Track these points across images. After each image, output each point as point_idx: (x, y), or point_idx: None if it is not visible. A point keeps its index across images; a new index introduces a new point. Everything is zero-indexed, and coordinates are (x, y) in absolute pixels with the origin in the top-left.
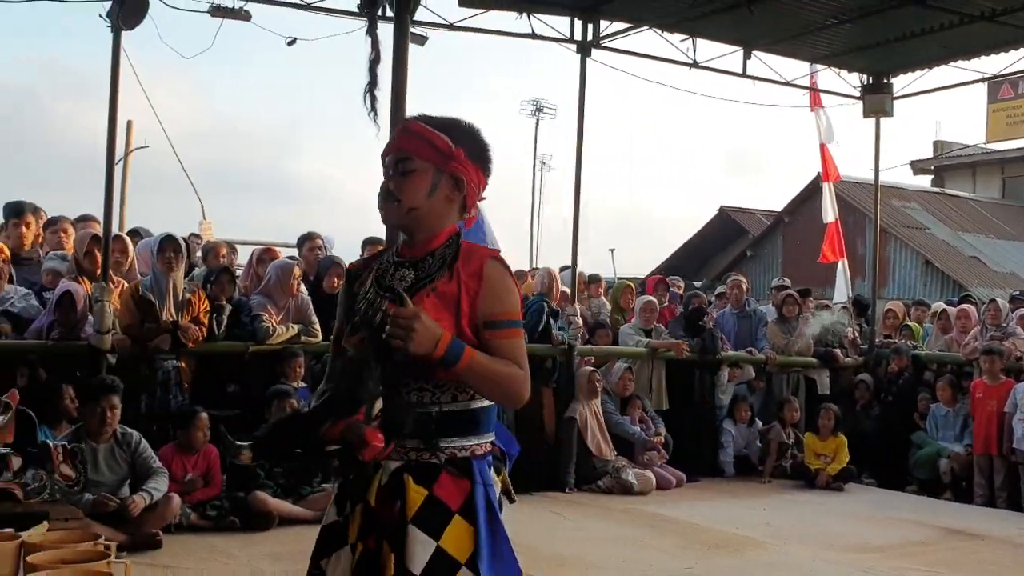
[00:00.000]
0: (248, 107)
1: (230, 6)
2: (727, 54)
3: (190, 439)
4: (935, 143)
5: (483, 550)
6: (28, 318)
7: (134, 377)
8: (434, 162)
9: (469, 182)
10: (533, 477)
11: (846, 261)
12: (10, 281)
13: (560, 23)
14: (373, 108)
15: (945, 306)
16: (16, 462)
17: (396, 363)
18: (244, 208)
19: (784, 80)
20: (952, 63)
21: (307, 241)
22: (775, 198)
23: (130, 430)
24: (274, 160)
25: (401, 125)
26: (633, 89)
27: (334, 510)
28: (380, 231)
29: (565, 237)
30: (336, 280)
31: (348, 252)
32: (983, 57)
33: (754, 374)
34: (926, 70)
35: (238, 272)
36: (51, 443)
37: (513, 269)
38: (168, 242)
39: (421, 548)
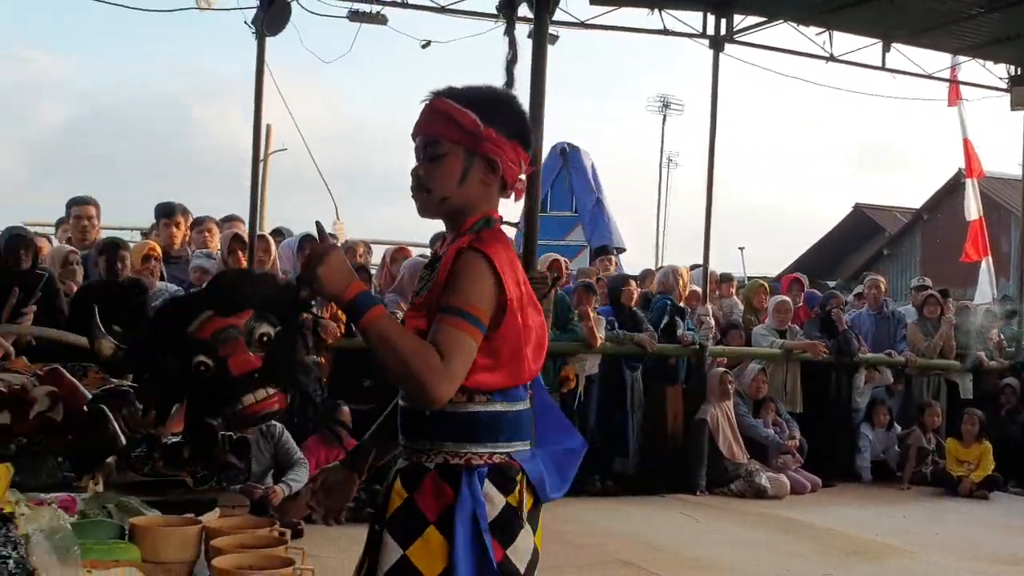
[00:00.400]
0: (381, 109)
1: (368, 10)
2: (865, 47)
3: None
4: None
5: (458, 570)
6: None
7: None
8: (464, 144)
9: (506, 161)
10: (661, 478)
11: (991, 260)
12: (161, 278)
13: (691, 18)
14: None
15: None
16: (187, 451)
17: (303, 297)
18: (376, 209)
19: (925, 73)
20: None
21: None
22: (912, 194)
23: (273, 421)
24: (406, 162)
25: (426, 102)
26: (760, 83)
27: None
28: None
29: (692, 235)
30: None
31: None
32: None
33: (892, 379)
34: None
35: (373, 271)
36: (219, 433)
37: (639, 268)
38: (309, 241)
39: (389, 554)
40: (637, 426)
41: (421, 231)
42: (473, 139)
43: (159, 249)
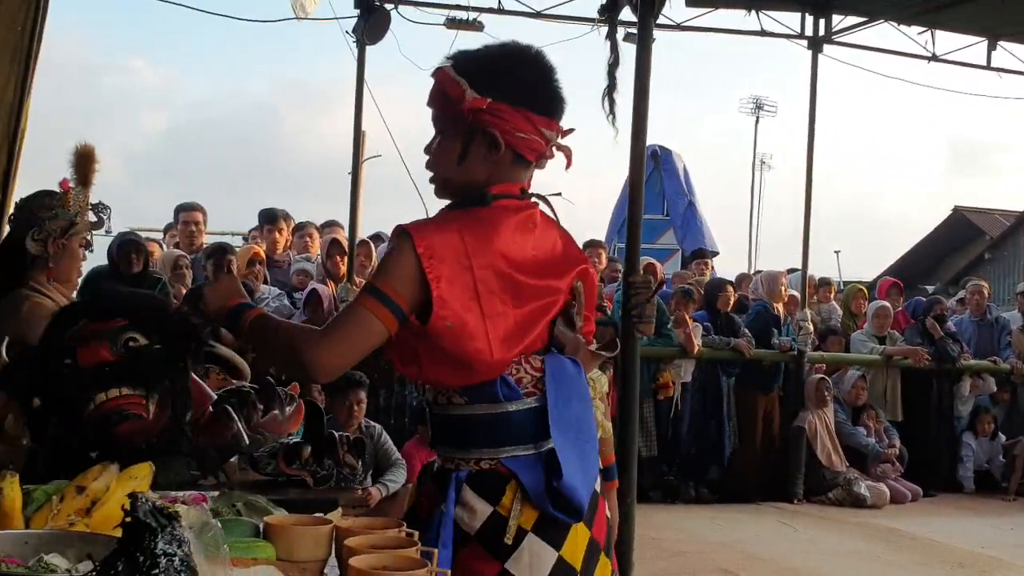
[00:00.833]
0: None
1: (465, 18)
2: (969, 45)
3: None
4: None
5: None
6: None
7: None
8: (460, 118)
9: (510, 131)
10: (757, 485)
11: None
12: (264, 282)
13: (788, 19)
14: (612, 111)
15: None
16: (306, 451)
17: (194, 322)
18: None
19: None
20: None
21: None
22: (1015, 197)
23: (373, 423)
24: None
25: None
26: (855, 83)
27: None
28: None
29: (785, 239)
30: None
31: None
32: None
33: (995, 387)
34: None
35: None
36: (336, 433)
37: (731, 272)
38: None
39: None
40: (732, 433)
41: None
42: (469, 112)
43: (263, 253)
